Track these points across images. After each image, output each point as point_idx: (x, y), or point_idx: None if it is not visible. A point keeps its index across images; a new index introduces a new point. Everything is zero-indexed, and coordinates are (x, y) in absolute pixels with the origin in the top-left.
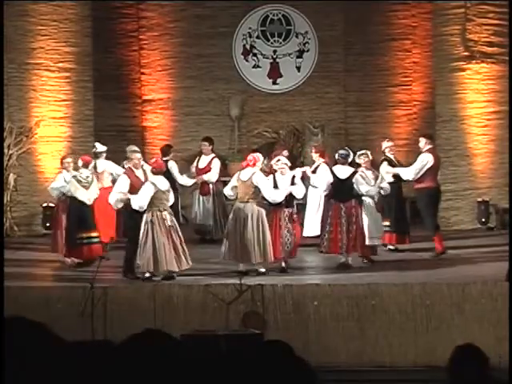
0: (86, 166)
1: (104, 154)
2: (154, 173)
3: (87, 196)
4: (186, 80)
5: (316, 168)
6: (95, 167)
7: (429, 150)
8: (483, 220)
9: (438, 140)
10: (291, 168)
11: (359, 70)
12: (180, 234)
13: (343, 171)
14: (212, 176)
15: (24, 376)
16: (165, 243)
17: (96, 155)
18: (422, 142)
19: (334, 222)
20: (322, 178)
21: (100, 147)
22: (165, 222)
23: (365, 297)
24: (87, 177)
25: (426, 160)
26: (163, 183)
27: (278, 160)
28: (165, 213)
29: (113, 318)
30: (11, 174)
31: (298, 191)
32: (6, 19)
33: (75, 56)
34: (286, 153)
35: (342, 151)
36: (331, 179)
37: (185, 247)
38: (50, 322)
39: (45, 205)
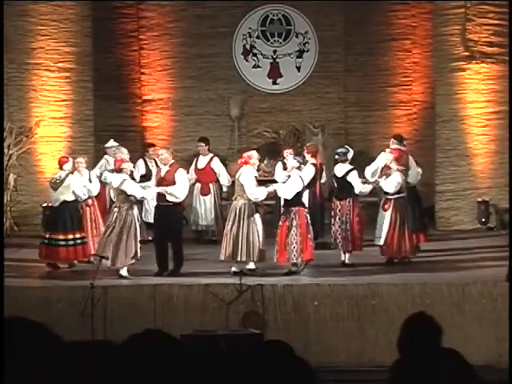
0: (60, 166)
1: (108, 151)
2: (115, 171)
3: (54, 198)
4: (186, 80)
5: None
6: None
7: (390, 151)
8: (483, 220)
9: (438, 140)
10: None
11: (359, 69)
12: (129, 231)
13: (340, 169)
14: (224, 180)
15: (24, 376)
16: (109, 238)
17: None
18: (391, 143)
19: (332, 220)
20: (305, 179)
21: (109, 143)
22: (111, 217)
23: (365, 297)
24: (53, 178)
25: (380, 161)
26: (116, 181)
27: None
28: (115, 209)
29: (113, 318)
30: (11, 174)
31: (281, 191)
32: (6, 19)
33: (75, 56)
34: (290, 152)
35: (339, 149)
36: (302, 184)
37: (129, 245)
38: (50, 322)
39: (45, 205)
